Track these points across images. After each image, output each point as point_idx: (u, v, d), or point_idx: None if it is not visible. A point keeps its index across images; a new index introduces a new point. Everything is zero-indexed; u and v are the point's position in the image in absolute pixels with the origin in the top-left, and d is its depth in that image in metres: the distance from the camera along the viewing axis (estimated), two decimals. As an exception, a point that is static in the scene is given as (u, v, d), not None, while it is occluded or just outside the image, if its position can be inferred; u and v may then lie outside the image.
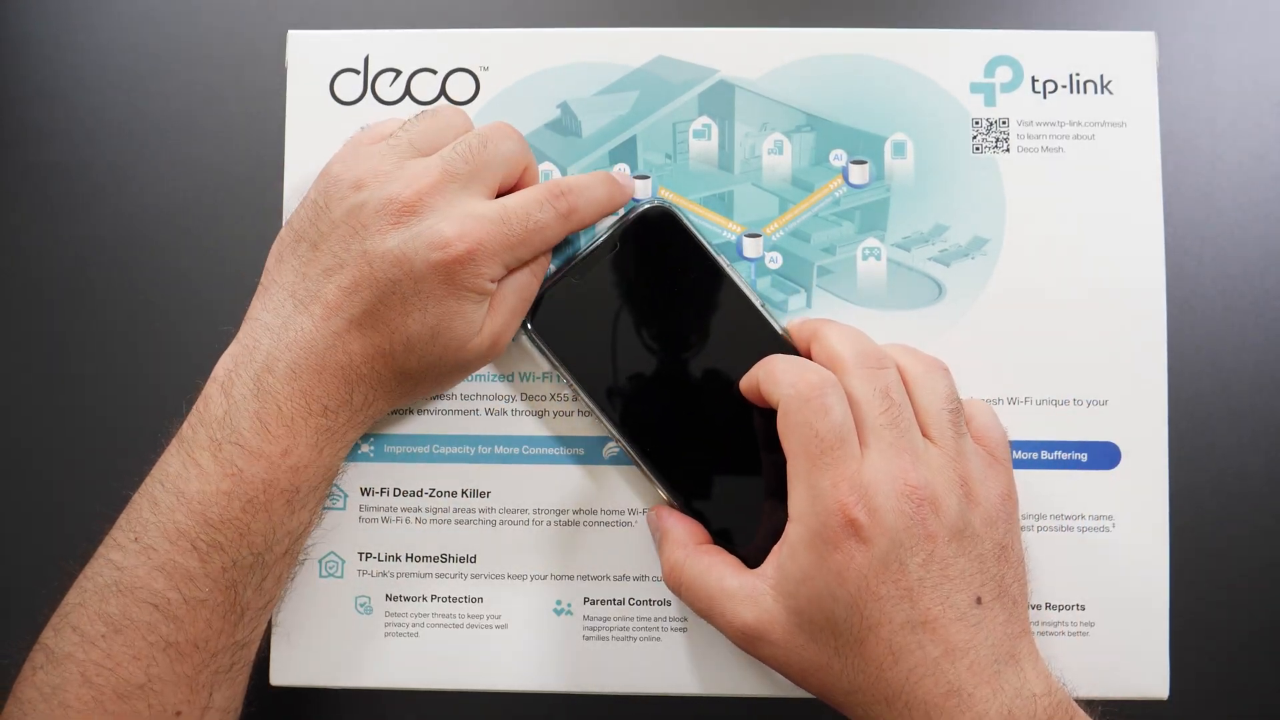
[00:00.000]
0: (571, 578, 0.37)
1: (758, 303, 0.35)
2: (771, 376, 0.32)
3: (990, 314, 0.37)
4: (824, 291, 0.37)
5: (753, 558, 0.33)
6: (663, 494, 0.35)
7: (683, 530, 0.34)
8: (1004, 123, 0.37)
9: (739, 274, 0.36)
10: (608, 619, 0.37)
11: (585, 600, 0.37)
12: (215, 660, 0.32)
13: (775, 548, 0.32)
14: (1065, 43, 0.38)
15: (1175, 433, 0.37)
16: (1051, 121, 0.37)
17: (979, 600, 0.30)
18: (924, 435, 0.32)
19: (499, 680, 0.37)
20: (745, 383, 0.34)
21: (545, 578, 0.37)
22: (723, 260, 0.36)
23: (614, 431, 0.35)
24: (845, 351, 0.33)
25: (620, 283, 0.36)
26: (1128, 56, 0.38)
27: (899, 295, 0.37)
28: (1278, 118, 0.42)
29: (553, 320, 0.36)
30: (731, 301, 0.36)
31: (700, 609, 0.33)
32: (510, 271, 0.34)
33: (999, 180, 0.37)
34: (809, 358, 0.34)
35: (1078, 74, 0.38)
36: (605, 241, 0.36)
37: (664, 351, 0.36)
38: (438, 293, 0.32)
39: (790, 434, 0.31)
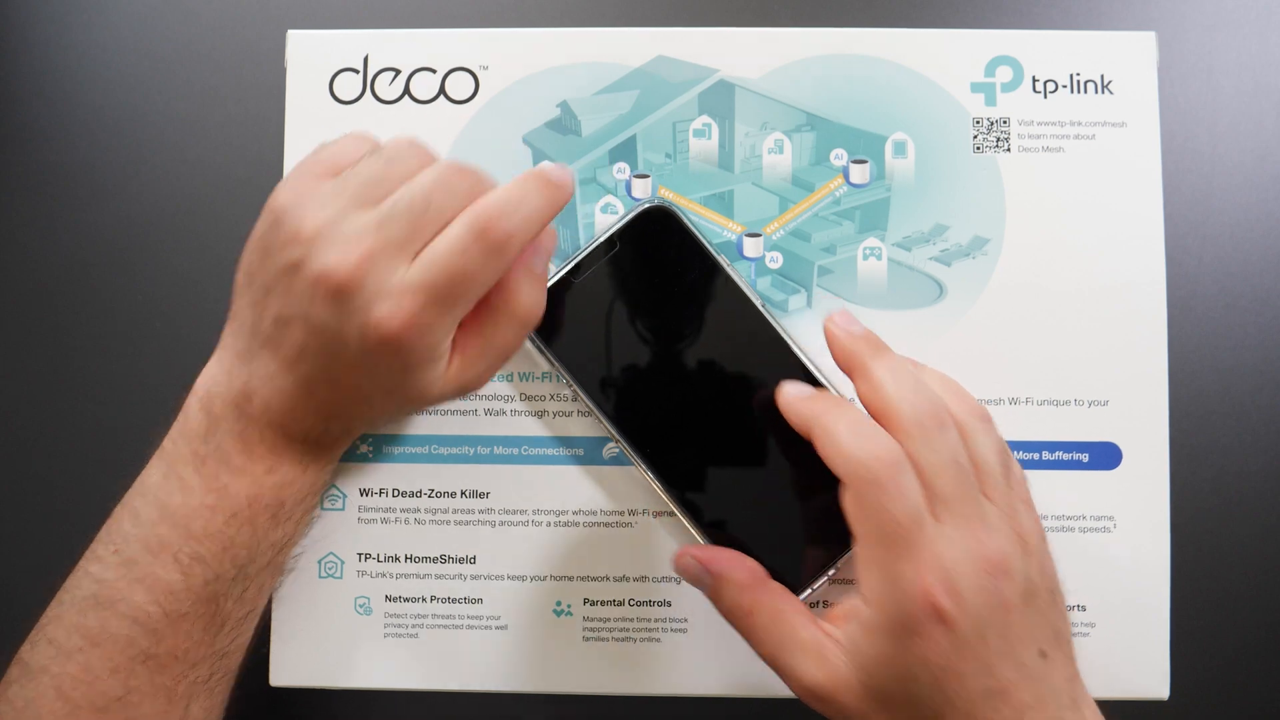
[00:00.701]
0: (571, 579, 0.37)
1: (758, 303, 0.35)
2: (832, 440, 0.30)
3: (991, 314, 0.37)
4: (824, 291, 0.37)
5: (757, 553, 0.33)
6: (661, 493, 0.35)
7: (744, 571, 0.32)
8: (1004, 122, 0.37)
9: (739, 273, 0.36)
10: (607, 620, 0.37)
11: (585, 601, 0.37)
12: (195, 670, 0.32)
13: (844, 614, 0.31)
14: (1065, 43, 0.38)
15: (1176, 433, 0.37)
16: (1052, 121, 0.37)
17: (1043, 654, 0.30)
18: (984, 494, 0.31)
19: (498, 681, 0.37)
20: (787, 408, 0.32)
21: (545, 579, 0.37)
22: (722, 260, 0.36)
23: (612, 431, 0.35)
24: (903, 411, 0.30)
25: (619, 282, 0.36)
26: (1128, 56, 0.38)
27: (899, 295, 0.37)
28: (1278, 118, 0.42)
29: (551, 319, 0.36)
30: (731, 301, 0.35)
31: (764, 654, 0.31)
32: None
33: (999, 180, 0.37)
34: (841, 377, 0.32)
35: (1078, 74, 0.38)
36: (605, 240, 0.36)
37: (662, 352, 0.35)
38: (385, 363, 0.31)
39: (862, 517, 0.29)
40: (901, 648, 0.29)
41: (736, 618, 0.32)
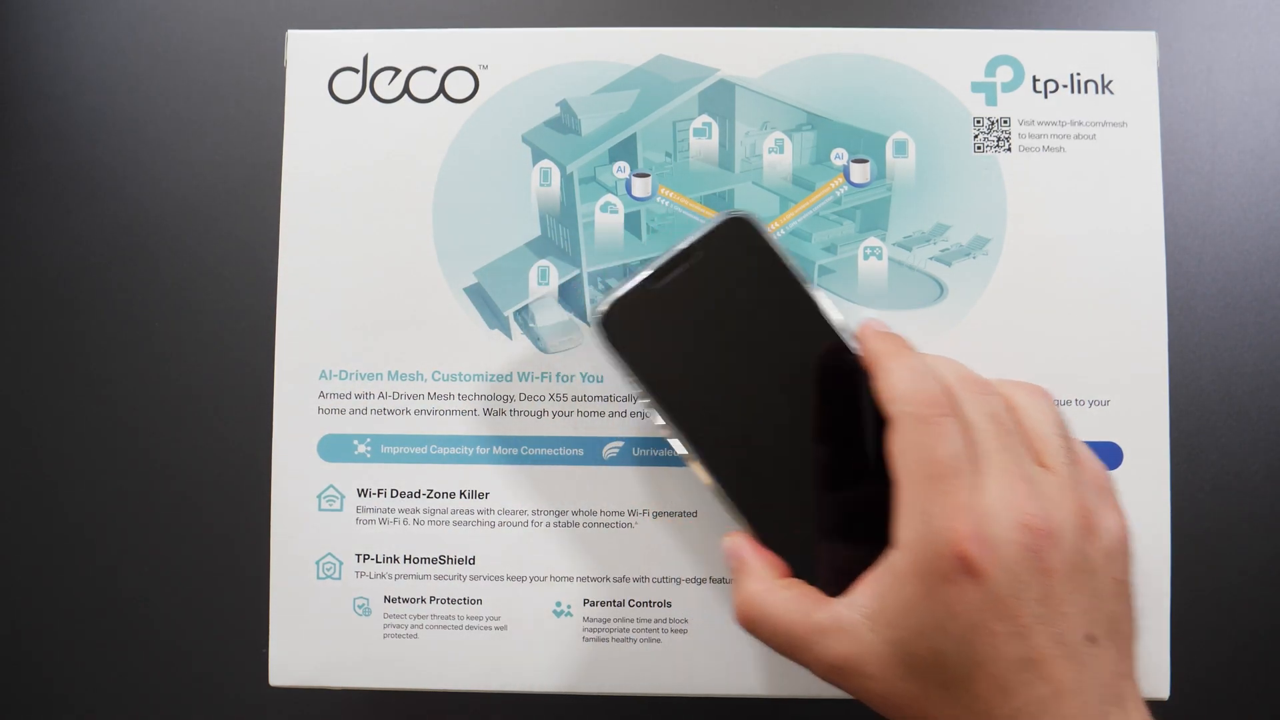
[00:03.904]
0: (571, 579, 0.37)
1: (836, 323, 0.34)
2: (887, 378, 0.30)
3: (991, 314, 0.37)
4: (825, 291, 0.37)
5: (832, 588, 0.31)
6: (719, 498, 0.33)
7: (762, 563, 0.32)
8: (1005, 122, 0.37)
9: (818, 291, 0.34)
10: (608, 620, 0.37)
11: (585, 602, 0.37)
12: None
13: (870, 575, 0.30)
14: (1066, 43, 0.38)
15: (1177, 433, 0.37)
16: (1052, 121, 0.37)
17: (1092, 638, 0.28)
18: (1038, 463, 0.30)
19: (498, 681, 0.37)
20: (861, 338, 0.33)
21: (545, 579, 0.37)
22: (800, 276, 0.34)
23: (685, 444, 0.33)
24: (947, 373, 0.31)
25: (698, 292, 0.34)
26: (1128, 56, 0.38)
27: (900, 295, 0.37)
28: (1278, 118, 0.42)
29: (626, 324, 0.34)
30: (807, 320, 0.34)
31: (780, 644, 0.31)
32: None
33: (1000, 180, 0.37)
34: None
35: (1078, 74, 0.38)
36: (685, 248, 0.34)
37: (735, 365, 0.34)
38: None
39: (903, 455, 0.29)
40: (928, 594, 0.28)
41: (748, 610, 0.31)
